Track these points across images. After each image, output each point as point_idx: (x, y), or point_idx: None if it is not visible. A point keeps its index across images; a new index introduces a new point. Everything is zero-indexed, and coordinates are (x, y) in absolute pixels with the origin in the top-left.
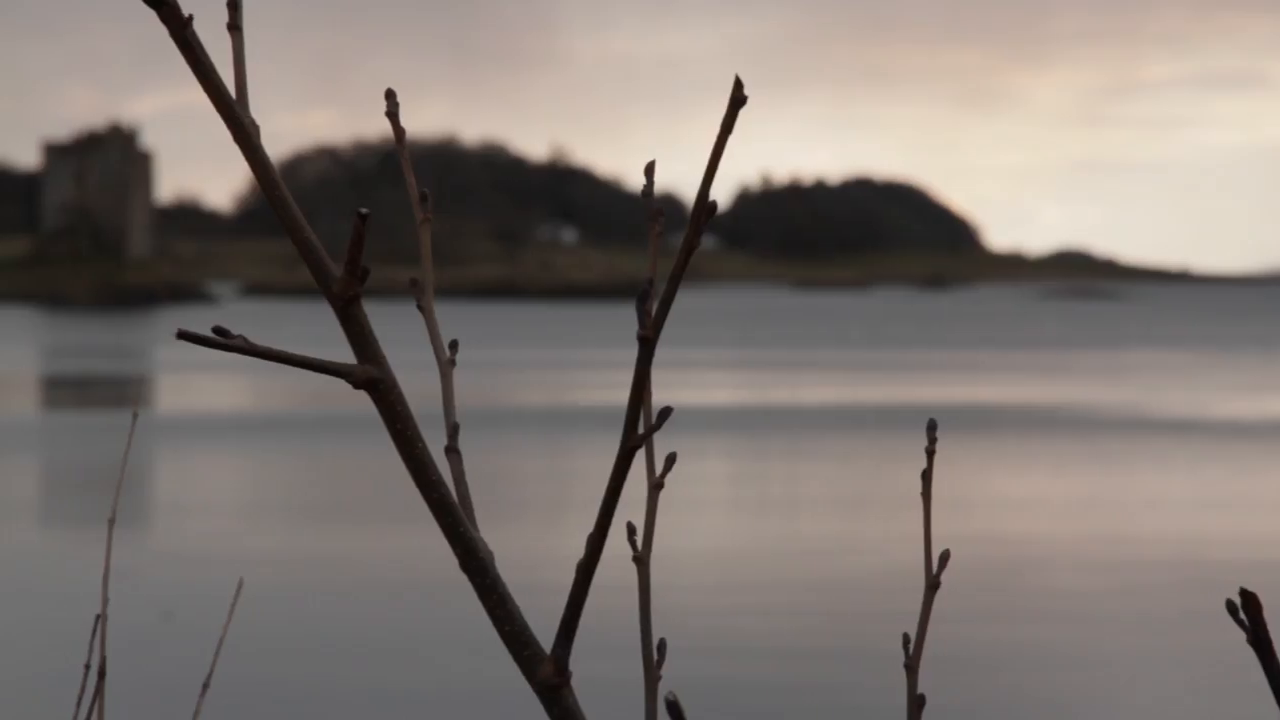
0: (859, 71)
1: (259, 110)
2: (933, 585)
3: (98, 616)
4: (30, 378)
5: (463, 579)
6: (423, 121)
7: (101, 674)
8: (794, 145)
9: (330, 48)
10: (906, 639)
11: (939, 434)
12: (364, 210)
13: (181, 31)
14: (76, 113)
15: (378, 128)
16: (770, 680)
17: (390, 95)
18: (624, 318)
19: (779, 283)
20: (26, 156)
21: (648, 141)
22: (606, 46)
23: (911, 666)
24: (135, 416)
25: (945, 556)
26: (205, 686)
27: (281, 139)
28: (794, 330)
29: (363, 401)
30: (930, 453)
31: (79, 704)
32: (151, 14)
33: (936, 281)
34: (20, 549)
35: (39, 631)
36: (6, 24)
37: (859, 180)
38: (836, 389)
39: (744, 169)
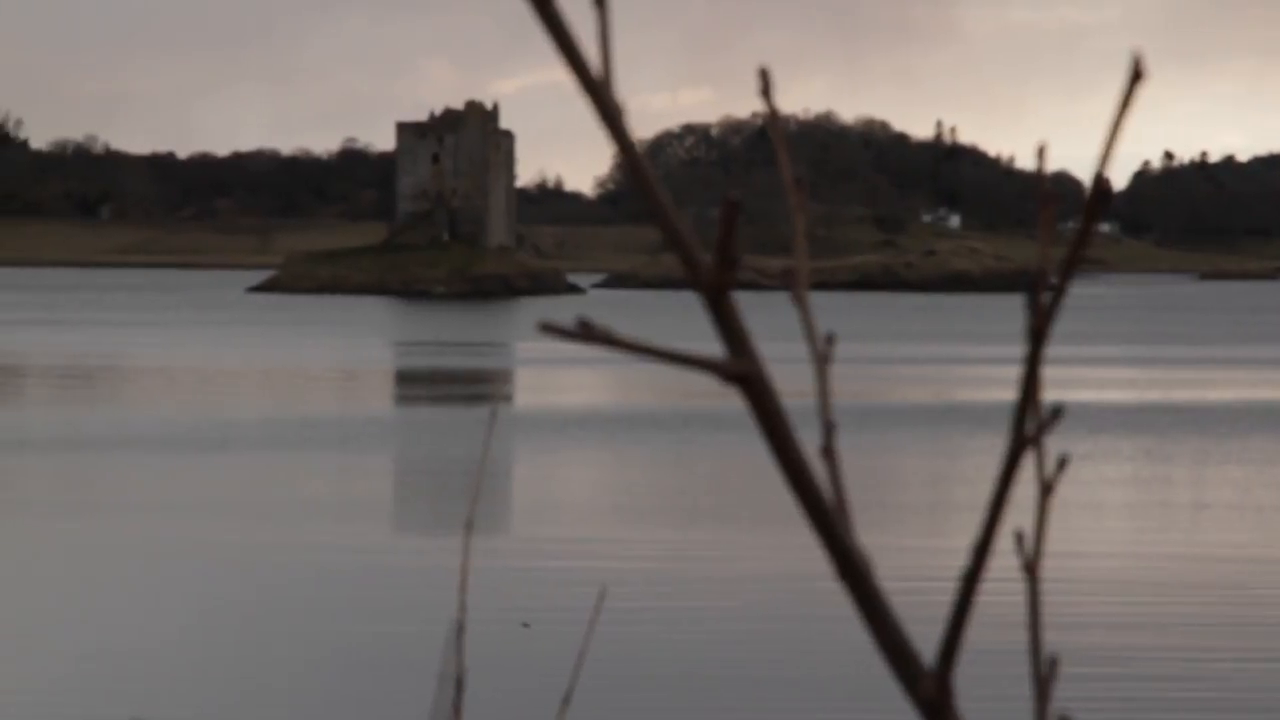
0: (1278, 42)
1: (626, 89)
2: None
3: (456, 625)
4: (384, 372)
5: (839, 587)
6: (800, 98)
7: (460, 685)
8: (1202, 123)
9: (706, 22)
10: None
11: None
12: (735, 196)
13: (545, 6)
14: (436, 94)
15: (752, 106)
16: (1173, 702)
17: (763, 74)
18: (1012, 309)
19: (1183, 272)
20: (384, 140)
21: (1044, 119)
22: (1004, 18)
23: None
24: (494, 413)
25: None
26: (566, 701)
27: (650, 119)
28: (1199, 324)
29: (733, 398)
30: None
31: (432, 716)
32: None
33: None
34: (375, 551)
35: (393, 638)
36: (369, 3)
37: (1273, 157)
38: (1247, 388)
39: (1149, 150)
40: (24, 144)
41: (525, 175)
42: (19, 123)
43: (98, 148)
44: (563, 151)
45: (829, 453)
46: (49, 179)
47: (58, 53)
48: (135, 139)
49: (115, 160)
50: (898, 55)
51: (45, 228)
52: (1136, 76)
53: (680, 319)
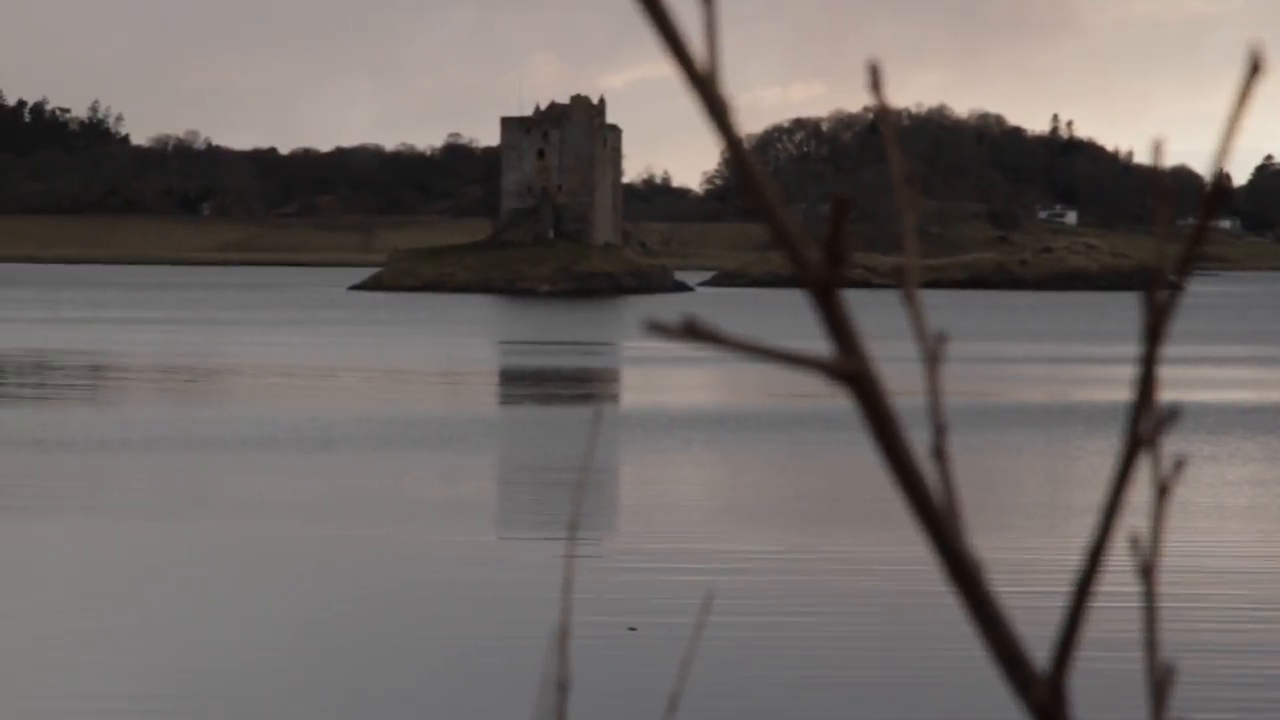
0: None
1: (738, 83)
2: None
3: (560, 629)
4: (489, 371)
5: (951, 591)
6: (913, 92)
7: (564, 689)
8: None
9: (819, 16)
10: None
11: None
12: (845, 193)
13: (652, 0)
14: (542, 88)
15: (864, 100)
16: None
17: (873, 68)
18: (1130, 308)
19: None
20: (489, 135)
21: (1165, 114)
22: (1125, 9)
23: None
24: (599, 413)
25: None
26: (672, 706)
27: (761, 114)
28: None
29: (842, 398)
30: None
31: None
32: None
33: None
34: (478, 553)
35: (497, 641)
36: None
37: None
38: None
39: (1272, 145)
40: (125, 140)
41: (632, 171)
42: (120, 118)
43: (199, 143)
44: (670, 147)
45: (940, 454)
46: (150, 175)
47: (159, 48)
48: (237, 134)
49: (216, 156)
50: (1014, 48)
51: (145, 224)
52: (1255, 70)
53: (789, 317)
